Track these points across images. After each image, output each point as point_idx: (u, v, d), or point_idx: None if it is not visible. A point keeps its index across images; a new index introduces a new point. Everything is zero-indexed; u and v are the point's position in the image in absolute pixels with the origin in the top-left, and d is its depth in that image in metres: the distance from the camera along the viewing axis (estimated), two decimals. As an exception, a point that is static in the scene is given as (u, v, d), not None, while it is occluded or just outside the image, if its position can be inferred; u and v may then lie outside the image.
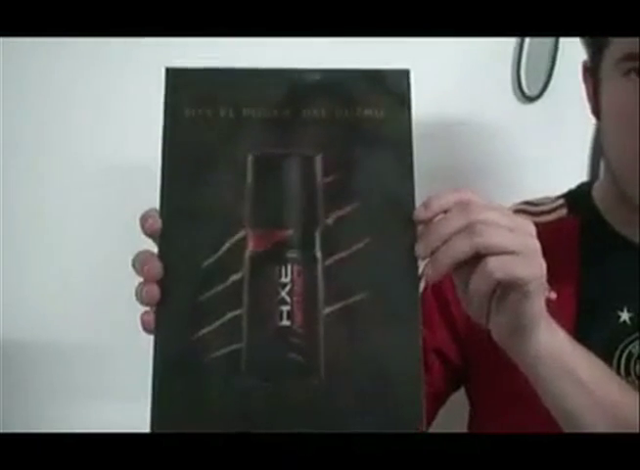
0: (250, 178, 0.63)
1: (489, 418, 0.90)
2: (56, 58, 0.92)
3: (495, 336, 0.69)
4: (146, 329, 0.62)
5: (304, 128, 0.64)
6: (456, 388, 0.93)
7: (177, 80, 0.65)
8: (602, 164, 0.93)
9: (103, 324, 0.95)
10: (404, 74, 0.65)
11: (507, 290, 0.64)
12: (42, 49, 0.89)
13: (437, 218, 0.63)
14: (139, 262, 0.62)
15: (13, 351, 0.93)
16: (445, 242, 0.62)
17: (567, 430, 0.72)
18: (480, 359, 0.88)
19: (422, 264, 0.64)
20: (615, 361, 0.83)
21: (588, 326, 0.83)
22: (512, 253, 0.62)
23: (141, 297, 0.62)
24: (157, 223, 0.63)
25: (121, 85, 0.95)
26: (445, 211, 0.63)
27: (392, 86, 0.65)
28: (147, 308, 0.62)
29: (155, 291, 0.61)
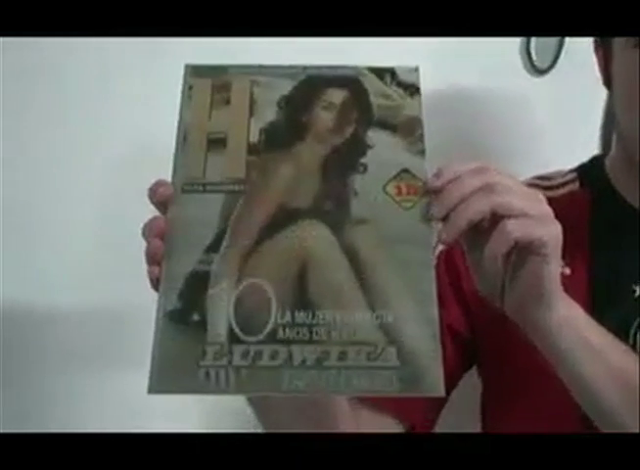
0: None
1: (502, 395, 0.89)
2: (85, 54, 0.94)
3: (509, 310, 0.68)
4: (153, 284, 0.62)
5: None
6: (468, 367, 0.92)
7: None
8: (614, 136, 0.91)
9: (116, 290, 0.96)
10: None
11: (524, 254, 0.64)
12: (71, 45, 0.91)
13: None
14: (147, 225, 0.63)
15: (24, 316, 0.94)
16: (462, 202, 0.62)
17: (581, 401, 0.71)
18: (491, 336, 0.88)
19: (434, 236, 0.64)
20: (630, 337, 0.82)
21: (603, 302, 0.82)
22: (529, 215, 0.62)
23: (146, 252, 0.62)
24: (168, 191, 0.64)
25: (144, 78, 0.98)
26: None
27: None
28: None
29: (158, 244, 0.62)
